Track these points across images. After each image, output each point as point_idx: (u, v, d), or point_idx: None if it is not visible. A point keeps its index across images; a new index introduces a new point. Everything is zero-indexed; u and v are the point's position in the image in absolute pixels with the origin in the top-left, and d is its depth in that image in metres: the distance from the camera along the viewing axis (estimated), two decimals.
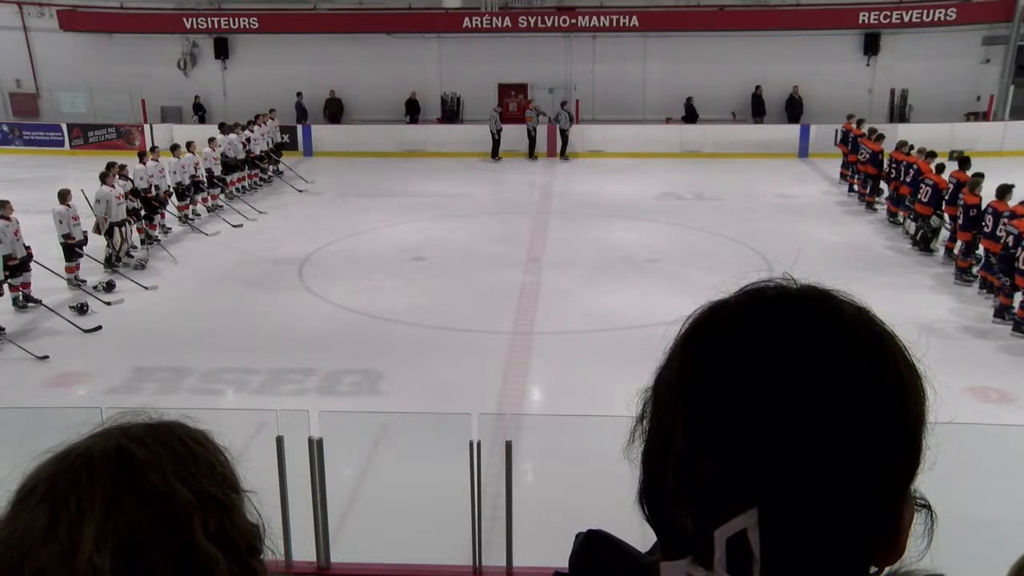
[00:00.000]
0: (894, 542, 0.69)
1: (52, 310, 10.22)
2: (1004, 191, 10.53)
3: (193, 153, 15.53)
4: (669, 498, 0.68)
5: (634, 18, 22.43)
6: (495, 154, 21.17)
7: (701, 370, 0.68)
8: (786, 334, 0.67)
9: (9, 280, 10.18)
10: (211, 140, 16.39)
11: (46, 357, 9.03)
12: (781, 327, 0.68)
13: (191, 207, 15.14)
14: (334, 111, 23.77)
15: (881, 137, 15.87)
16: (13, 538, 0.75)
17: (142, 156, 14.31)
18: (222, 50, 24.20)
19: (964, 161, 12.35)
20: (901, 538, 0.69)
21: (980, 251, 11.08)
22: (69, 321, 9.94)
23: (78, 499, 0.76)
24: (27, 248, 10.46)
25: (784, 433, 0.64)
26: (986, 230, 10.55)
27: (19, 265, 10.30)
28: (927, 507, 0.71)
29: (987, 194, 11.01)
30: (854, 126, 17.46)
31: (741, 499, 0.64)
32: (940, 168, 12.85)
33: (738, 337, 0.68)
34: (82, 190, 11.86)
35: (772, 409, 0.64)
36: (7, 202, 10.32)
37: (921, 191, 12.81)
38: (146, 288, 11.41)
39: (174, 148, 15.31)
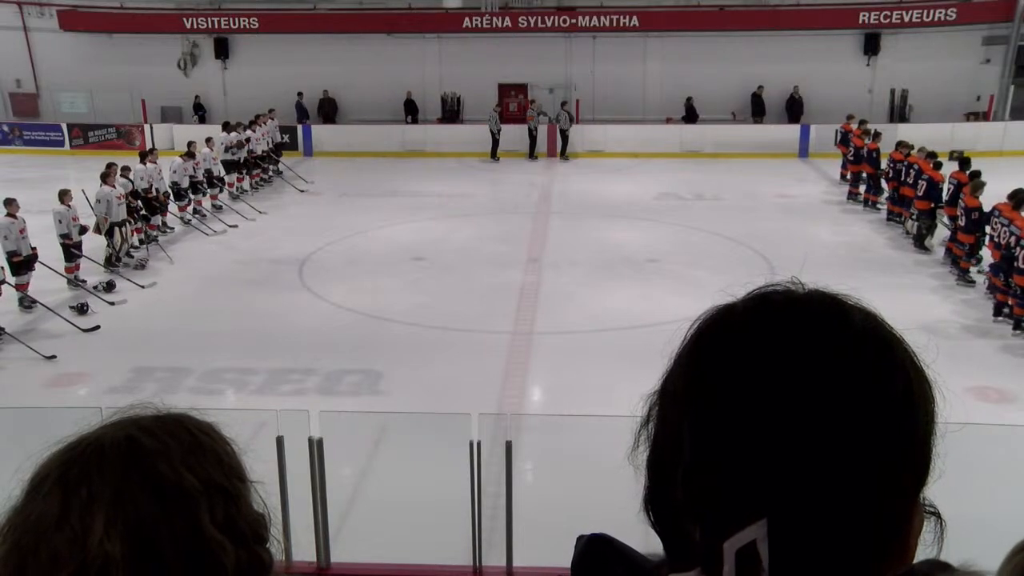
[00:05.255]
0: (903, 550, 0.68)
1: (51, 310, 10.21)
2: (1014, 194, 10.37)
3: (210, 149, 15.74)
4: (676, 507, 0.67)
5: (634, 18, 22.42)
6: (494, 154, 21.17)
7: (708, 375, 0.67)
8: (793, 339, 0.66)
9: (14, 278, 10.18)
10: (208, 140, 16.37)
11: (53, 356, 9.02)
12: (788, 332, 0.67)
13: (191, 207, 15.13)
14: (328, 111, 23.76)
15: (878, 135, 15.88)
16: (27, 524, 0.78)
17: (143, 156, 14.31)
18: (222, 50, 24.19)
19: (964, 162, 12.35)
20: (910, 546, 0.68)
21: (982, 252, 11.09)
22: (67, 320, 9.93)
23: (89, 487, 0.79)
24: (32, 248, 10.47)
25: (792, 440, 0.63)
26: (991, 233, 10.51)
27: (23, 263, 10.31)
28: (936, 514, 0.71)
29: (989, 196, 11.00)
30: (854, 127, 17.45)
31: (750, 509, 0.63)
32: (939, 166, 12.87)
33: (745, 342, 0.67)
34: (83, 190, 11.86)
35: (780, 415, 0.64)
36: (13, 200, 10.37)
37: (919, 186, 12.84)
38: (143, 287, 11.39)
39: (190, 145, 15.46)
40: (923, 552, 0.71)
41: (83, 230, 11.51)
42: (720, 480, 0.64)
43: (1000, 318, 9.75)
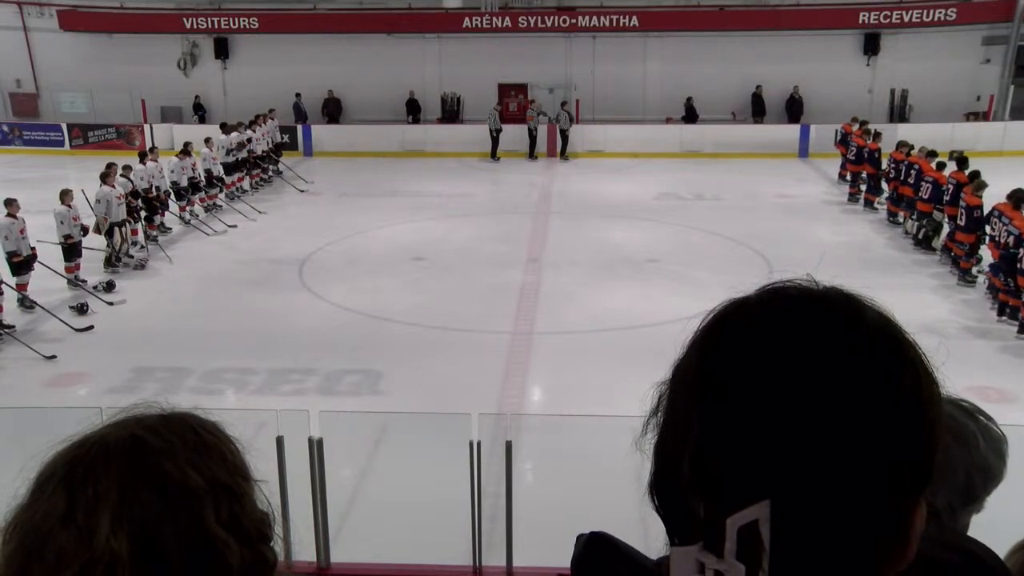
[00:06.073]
0: (904, 546, 0.69)
1: (46, 309, 10.20)
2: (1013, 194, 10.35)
3: (210, 149, 15.71)
4: (683, 486, 0.68)
5: (634, 18, 22.42)
6: (494, 154, 21.17)
7: (719, 363, 0.68)
8: (806, 332, 0.67)
9: (15, 279, 10.19)
10: (207, 140, 16.34)
11: (54, 357, 9.02)
12: (801, 325, 0.68)
13: (189, 207, 15.13)
14: (332, 111, 23.78)
15: (878, 135, 15.88)
16: (33, 522, 0.79)
17: (143, 156, 14.31)
18: (222, 50, 24.19)
19: (962, 161, 12.34)
20: (912, 542, 0.69)
21: (981, 252, 11.08)
22: (62, 320, 9.92)
23: (95, 485, 0.79)
24: (32, 248, 10.46)
25: (799, 430, 0.64)
26: (991, 233, 10.51)
27: (23, 263, 10.31)
28: (938, 514, 0.71)
29: (989, 196, 10.99)
30: (855, 128, 17.43)
31: (754, 491, 0.64)
32: (941, 166, 12.85)
33: (758, 333, 0.68)
34: (83, 190, 11.86)
35: (788, 405, 0.64)
36: (14, 200, 10.37)
37: (922, 188, 12.81)
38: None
39: (186, 145, 15.41)
40: None
41: (84, 231, 11.51)
42: (726, 471, 0.65)
43: (1004, 319, 9.73)
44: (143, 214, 13.35)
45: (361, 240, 14.01)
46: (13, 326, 9.69)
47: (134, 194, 13.12)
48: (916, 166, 13.37)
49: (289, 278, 11.87)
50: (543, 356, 9.12)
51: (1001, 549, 1.05)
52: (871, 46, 22.60)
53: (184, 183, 14.86)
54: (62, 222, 11.17)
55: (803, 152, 21.28)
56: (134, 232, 13.08)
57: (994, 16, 21.73)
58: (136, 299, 11.09)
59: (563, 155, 21.43)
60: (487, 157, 21.24)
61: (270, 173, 18.75)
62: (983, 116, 22.13)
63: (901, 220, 13.97)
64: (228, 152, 16.84)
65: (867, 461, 0.64)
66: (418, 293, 11.19)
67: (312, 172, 19.46)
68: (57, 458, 0.83)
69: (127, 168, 13.24)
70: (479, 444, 4.78)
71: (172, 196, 14.59)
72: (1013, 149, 19.84)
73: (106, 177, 12.31)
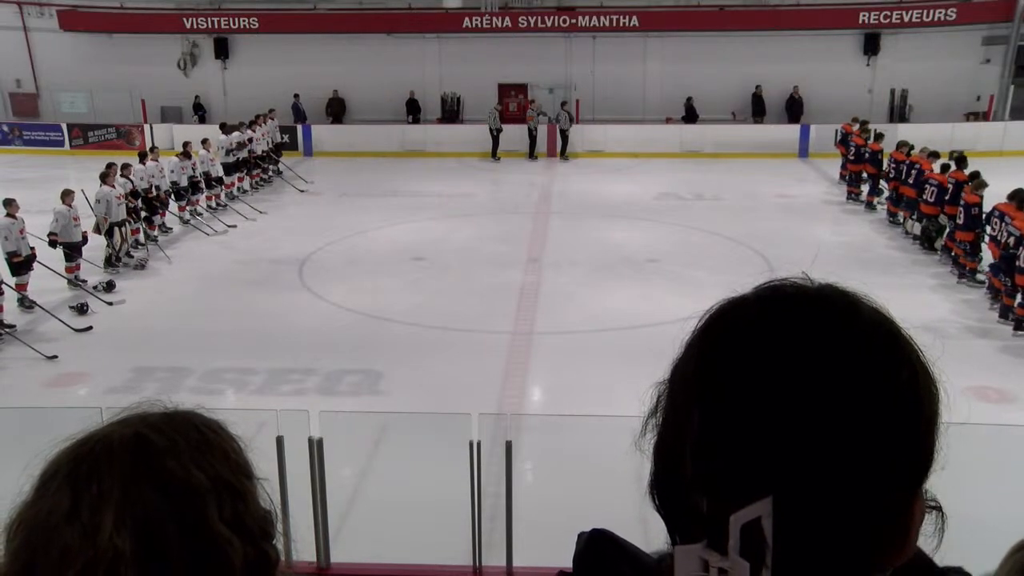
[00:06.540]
0: (904, 540, 0.69)
1: (45, 310, 10.19)
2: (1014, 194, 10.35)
3: (207, 150, 15.72)
4: (684, 485, 0.69)
5: (634, 18, 22.44)
6: (494, 154, 21.17)
7: (717, 362, 0.69)
8: (803, 329, 0.68)
9: (15, 279, 10.20)
10: (204, 141, 16.29)
11: (55, 357, 9.02)
12: (798, 322, 0.68)
13: (190, 207, 15.13)
14: (336, 111, 23.78)
15: (880, 136, 15.88)
16: (38, 519, 0.79)
17: (143, 156, 14.31)
18: (222, 50, 24.20)
19: (961, 160, 12.34)
20: (911, 537, 0.70)
21: (982, 253, 11.08)
22: (61, 320, 9.92)
23: (99, 483, 0.79)
24: (32, 248, 10.47)
25: (798, 427, 0.65)
26: (992, 232, 10.50)
27: (23, 263, 10.32)
28: (938, 508, 0.72)
29: (989, 196, 10.98)
30: (855, 128, 17.42)
31: (756, 488, 0.65)
32: (945, 168, 12.81)
33: (755, 330, 0.69)
34: (82, 190, 11.86)
35: (786, 403, 0.65)
36: (13, 200, 10.38)
37: (926, 191, 12.77)
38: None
39: (185, 145, 15.39)
40: (922, 543, 0.72)
41: (85, 239, 11.49)
42: (728, 469, 0.66)
43: (1003, 320, 9.73)
44: (143, 214, 13.36)
45: (361, 240, 14.01)
46: (14, 326, 9.72)
47: (134, 194, 13.12)
48: (917, 165, 13.36)
49: (289, 278, 11.87)
50: (543, 356, 9.12)
51: (1001, 549, 1.06)
52: (871, 46, 22.61)
53: (184, 183, 14.85)
54: (56, 220, 11.16)
55: (803, 152, 21.28)
56: (134, 232, 13.09)
57: (994, 16, 21.74)
58: (136, 299, 11.10)
59: (563, 155, 21.43)
60: (487, 157, 21.25)
61: (270, 173, 18.75)
62: (983, 116, 22.13)
63: (901, 220, 13.96)
64: (228, 152, 16.84)
65: (866, 456, 0.65)
66: (418, 293, 11.19)
67: (312, 172, 19.47)
68: (61, 455, 0.83)
69: (127, 168, 13.24)
70: (479, 444, 4.78)
71: (172, 196, 14.59)
72: (1013, 149, 19.85)
73: (106, 177, 12.32)
